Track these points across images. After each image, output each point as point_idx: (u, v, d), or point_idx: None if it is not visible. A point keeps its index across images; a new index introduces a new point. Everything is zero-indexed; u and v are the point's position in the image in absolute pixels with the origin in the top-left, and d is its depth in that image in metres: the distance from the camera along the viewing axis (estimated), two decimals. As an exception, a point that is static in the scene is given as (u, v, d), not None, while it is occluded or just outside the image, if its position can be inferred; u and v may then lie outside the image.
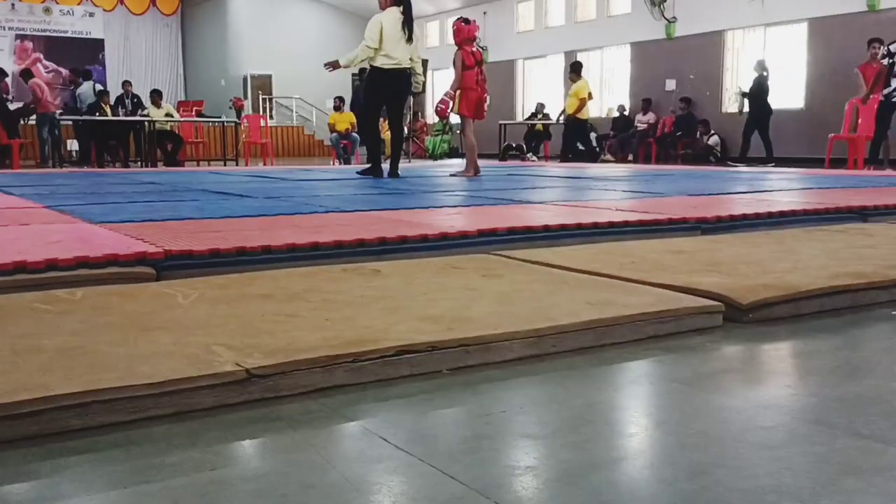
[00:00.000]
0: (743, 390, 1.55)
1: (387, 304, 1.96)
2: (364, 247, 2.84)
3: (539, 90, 18.47)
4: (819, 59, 13.34)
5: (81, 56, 21.83)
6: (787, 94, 13.89)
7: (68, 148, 14.40)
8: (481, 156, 8.45)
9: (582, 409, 1.42)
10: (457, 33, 7.81)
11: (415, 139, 17.16)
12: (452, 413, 1.42)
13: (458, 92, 7.78)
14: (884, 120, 9.86)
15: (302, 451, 1.22)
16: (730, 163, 12.76)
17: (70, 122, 13.22)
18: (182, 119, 14.84)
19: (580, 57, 17.12)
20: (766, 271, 2.39)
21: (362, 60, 7.19)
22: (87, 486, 1.11)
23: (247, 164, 13.57)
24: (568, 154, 13.17)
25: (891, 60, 9.76)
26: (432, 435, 1.31)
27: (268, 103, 22.13)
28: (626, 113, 16.16)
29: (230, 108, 18.37)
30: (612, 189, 5.96)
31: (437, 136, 18.27)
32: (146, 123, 12.82)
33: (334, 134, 14.38)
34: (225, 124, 15.05)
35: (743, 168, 10.59)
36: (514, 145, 16.11)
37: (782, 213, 3.92)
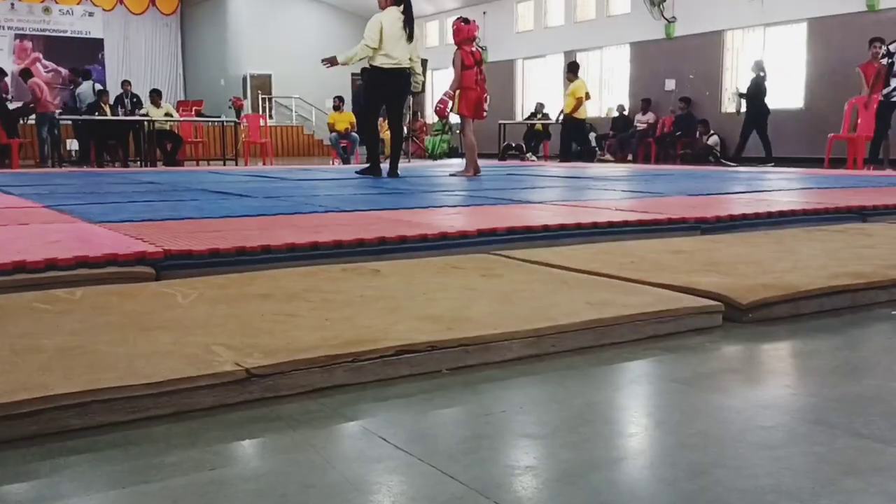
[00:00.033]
0: (742, 390, 1.55)
1: (386, 304, 1.96)
2: (363, 246, 2.84)
3: (538, 90, 18.47)
4: (818, 59, 13.35)
5: (81, 56, 21.83)
6: (787, 94, 13.90)
7: (68, 147, 14.40)
8: (481, 155, 8.45)
9: (581, 408, 1.42)
10: (456, 33, 7.81)
11: (414, 139, 17.17)
12: (452, 413, 1.42)
13: (457, 92, 7.78)
14: (883, 120, 9.87)
15: (301, 450, 1.22)
16: (724, 161, 12.78)
17: (69, 122, 13.22)
18: (181, 119, 14.84)
19: (580, 57, 17.13)
20: (766, 271, 2.39)
21: (360, 59, 7.19)
22: (86, 486, 1.11)
23: (246, 164, 13.57)
24: (567, 154, 13.18)
25: (890, 60, 9.76)
26: (432, 435, 1.31)
27: (267, 103, 22.13)
28: (626, 113, 16.17)
29: (230, 107, 18.37)
30: (611, 189, 5.96)
31: (436, 135, 18.28)
32: (146, 123, 12.81)
33: (334, 133, 14.39)
34: (224, 124, 15.05)
35: (737, 168, 10.60)
36: (513, 145, 16.11)
37: (782, 213, 3.92)
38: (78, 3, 23.00)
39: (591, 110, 17.13)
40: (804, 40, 13.62)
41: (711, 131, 14.25)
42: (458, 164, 10.24)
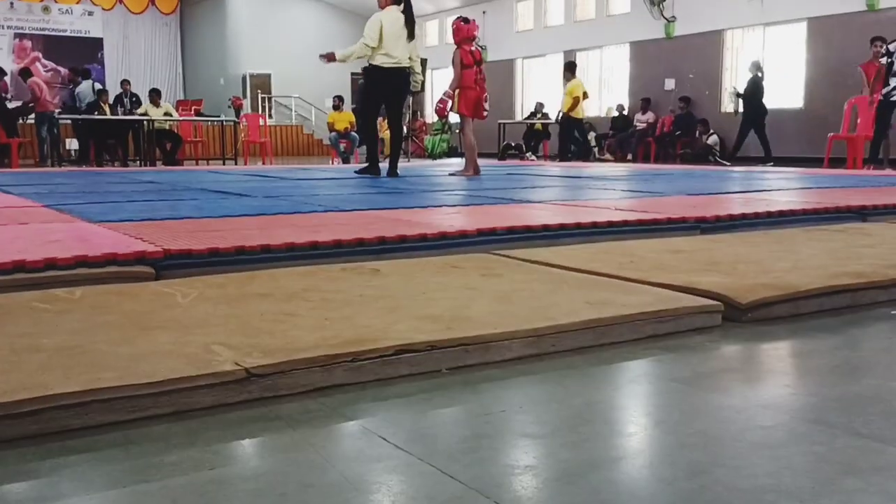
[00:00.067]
0: (742, 390, 1.55)
1: (386, 304, 1.96)
2: (363, 246, 2.84)
3: (538, 89, 18.47)
4: (818, 59, 13.35)
5: (80, 55, 21.82)
6: (787, 94, 13.90)
7: (67, 147, 14.40)
8: (480, 155, 8.44)
9: (581, 408, 1.42)
10: (456, 32, 7.81)
11: (414, 138, 17.16)
12: (452, 412, 1.42)
13: (456, 91, 7.78)
14: (883, 119, 9.87)
15: (301, 450, 1.22)
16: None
17: (69, 121, 13.22)
18: (181, 118, 14.84)
19: (579, 56, 17.15)
20: (766, 271, 2.39)
21: (358, 57, 7.19)
22: (86, 486, 1.11)
23: (246, 164, 13.57)
24: (566, 153, 13.21)
25: (889, 60, 9.77)
26: (431, 434, 1.31)
27: (267, 102, 22.13)
28: (626, 112, 16.18)
29: (229, 107, 18.38)
30: (611, 188, 5.96)
31: (436, 135, 18.28)
32: (145, 122, 12.81)
33: (333, 133, 14.39)
34: (224, 123, 15.04)
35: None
36: (513, 144, 16.12)
37: (781, 213, 3.92)
38: (77, 3, 23.00)
39: (591, 110, 17.16)
40: (804, 40, 13.62)
41: (711, 131, 14.26)
42: (457, 163, 10.24)
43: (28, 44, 22.67)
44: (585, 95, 13.07)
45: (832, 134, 10.90)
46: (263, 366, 1.44)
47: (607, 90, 17.61)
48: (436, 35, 21.35)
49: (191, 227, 3.22)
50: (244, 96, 21.16)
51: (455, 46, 7.82)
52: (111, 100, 13.49)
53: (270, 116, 20.89)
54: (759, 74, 11.94)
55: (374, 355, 1.54)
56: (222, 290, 2.13)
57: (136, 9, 23.97)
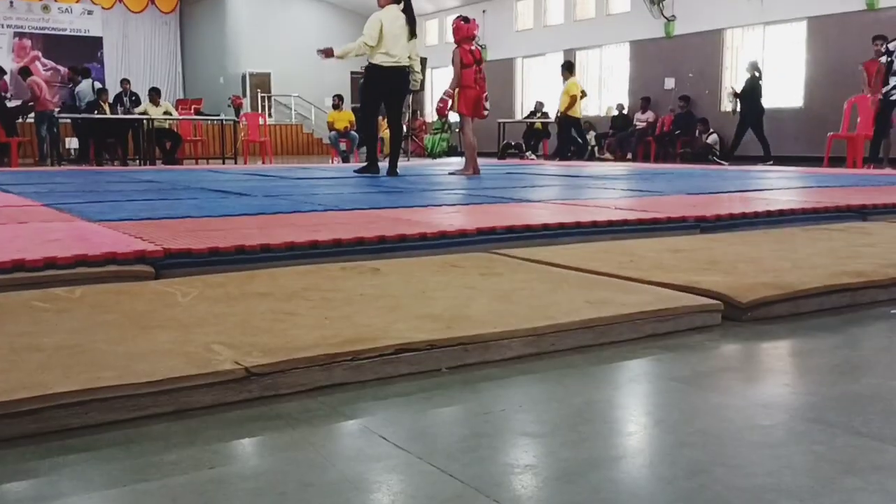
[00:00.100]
0: (742, 389, 1.55)
1: (386, 303, 1.96)
2: (363, 245, 2.84)
3: (538, 89, 18.47)
4: (818, 58, 13.35)
5: (80, 54, 21.82)
6: (786, 93, 13.91)
7: (67, 146, 14.39)
8: (480, 154, 8.44)
9: (581, 407, 1.42)
10: (456, 31, 7.81)
11: (414, 137, 17.16)
12: (451, 411, 1.42)
13: (456, 90, 7.78)
14: (883, 118, 9.87)
15: (301, 449, 1.22)
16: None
17: (69, 120, 13.21)
18: (181, 117, 14.83)
19: (579, 55, 17.17)
20: (765, 270, 2.39)
21: (357, 55, 7.19)
22: (86, 485, 1.11)
23: (245, 163, 13.57)
24: (566, 152, 13.22)
25: (889, 59, 9.76)
26: (431, 433, 1.31)
27: (266, 101, 22.12)
28: (625, 111, 16.17)
29: (229, 106, 18.38)
30: (610, 188, 5.96)
31: (435, 134, 18.28)
32: (145, 122, 12.81)
33: (333, 132, 14.39)
34: (224, 122, 15.04)
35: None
36: (513, 144, 16.11)
37: (781, 212, 3.92)
38: (77, 2, 22.99)
39: (591, 109, 17.18)
40: (804, 39, 13.62)
41: (711, 130, 14.26)
42: (457, 162, 10.24)
43: (28, 43, 22.66)
44: (584, 94, 13.08)
45: (832, 133, 10.91)
46: (263, 365, 1.44)
47: (607, 89, 17.60)
48: (435, 34, 21.34)
49: (190, 226, 3.22)
50: (244, 95, 21.16)
51: (455, 45, 7.82)
52: (111, 99, 13.49)
53: (270, 115, 20.88)
54: (757, 74, 11.95)
55: (373, 354, 1.54)
56: (222, 289, 2.13)
57: (136, 8, 23.96)
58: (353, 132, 14.07)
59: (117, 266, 2.41)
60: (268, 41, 21.91)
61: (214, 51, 23.28)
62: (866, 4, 12.62)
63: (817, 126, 12.48)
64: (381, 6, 7.12)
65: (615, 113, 16.37)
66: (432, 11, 20.96)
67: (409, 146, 15.11)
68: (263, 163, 13.26)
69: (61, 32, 23.01)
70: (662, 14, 15.66)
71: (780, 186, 6.01)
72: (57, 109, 12.95)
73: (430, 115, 20.57)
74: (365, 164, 7.69)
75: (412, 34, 7.15)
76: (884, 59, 9.91)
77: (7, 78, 13.54)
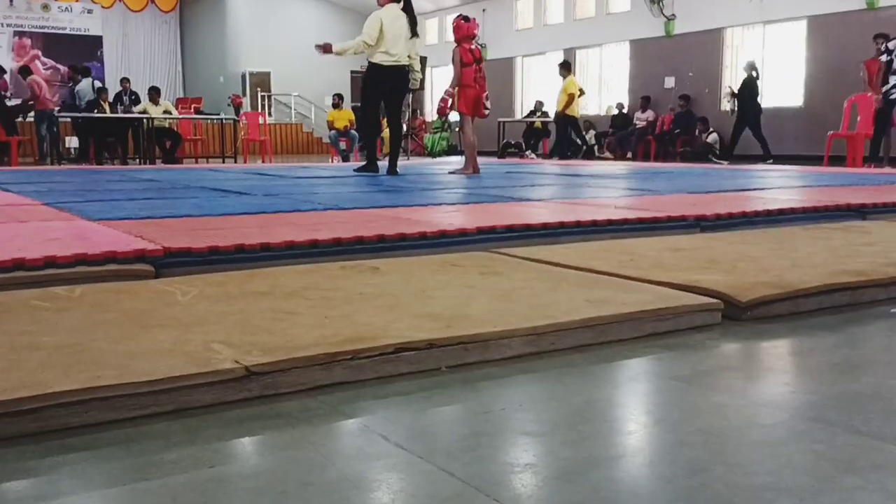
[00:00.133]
0: (742, 388, 1.55)
1: (385, 302, 1.96)
2: (363, 244, 2.84)
3: (538, 88, 18.47)
4: (818, 57, 13.35)
5: (80, 53, 21.81)
6: (786, 92, 13.90)
7: (67, 145, 14.39)
8: (480, 153, 8.44)
9: (581, 406, 1.42)
10: (457, 30, 7.81)
11: (414, 137, 17.16)
12: (451, 410, 1.42)
13: (456, 89, 7.78)
14: (883, 117, 9.86)
15: (301, 448, 1.22)
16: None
17: (68, 119, 13.21)
18: (181, 116, 14.83)
19: (579, 54, 17.18)
20: (765, 269, 2.39)
21: (355, 53, 7.19)
22: (86, 484, 1.11)
23: (245, 162, 13.57)
24: (565, 151, 13.23)
25: (889, 58, 9.76)
26: (431, 432, 1.31)
27: (266, 100, 22.12)
28: (625, 110, 16.17)
29: (229, 105, 18.38)
30: (610, 187, 5.96)
31: (435, 133, 18.28)
32: (145, 121, 12.81)
33: (333, 131, 14.38)
34: (223, 121, 15.04)
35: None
36: (512, 143, 16.11)
37: (781, 211, 3.92)
38: (76, 1, 22.98)
39: (591, 108, 17.19)
40: (804, 38, 13.62)
41: (711, 129, 14.25)
42: (457, 161, 10.24)
43: (27, 42, 22.66)
44: (581, 92, 13.10)
45: (832, 132, 10.90)
46: (263, 364, 1.44)
47: (607, 88, 17.60)
48: (435, 33, 21.33)
49: (190, 225, 3.22)
50: (244, 94, 21.15)
51: (455, 44, 7.82)
52: (111, 98, 13.48)
53: (270, 115, 20.89)
54: (754, 74, 11.95)
55: (373, 353, 1.54)
56: (222, 288, 2.13)
57: (136, 6, 23.95)
58: (352, 131, 14.06)
59: (117, 265, 2.41)
60: (268, 40, 21.91)
61: (214, 50, 23.27)
62: (866, 3, 12.61)
63: (817, 125, 12.48)
64: (381, 5, 7.12)
65: (615, 112, 16.37)
66: (432, 10, 20.95)
67: (409, 145, 15.11)
68: (263, 162, 13.25)
69: (61, 31, 23.00)
70: (662, 13, 15.65)
71: (779, 185, 6.01)
72: (57, 108, 12.95)
73: (430, 114, 20.58)
74: (365, 163, 7.69)
75: (414, 33, 7.15)
76: (884, 57, 9.91)
77: (7, 77, 13.54)
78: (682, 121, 14.58)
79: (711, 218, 3.65)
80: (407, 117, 14.01)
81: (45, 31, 22.83)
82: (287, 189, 5.49)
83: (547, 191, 5.54)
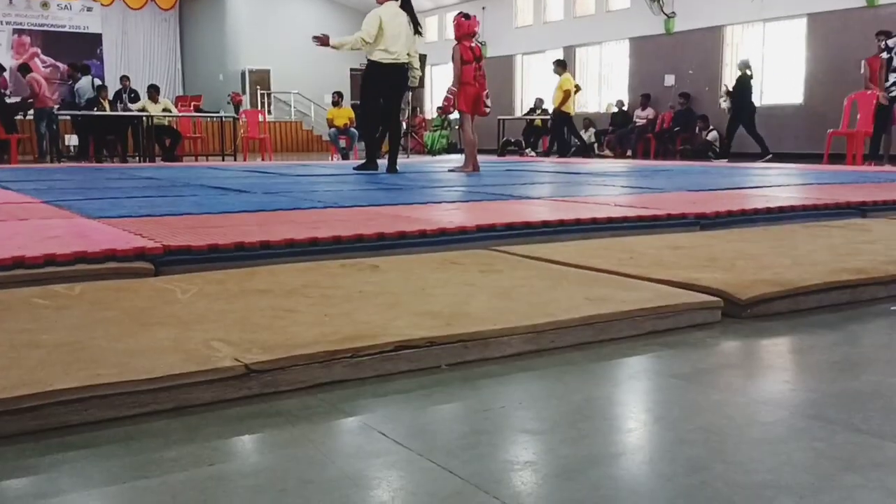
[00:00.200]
0: (742, 385, 1.55)
1: (385, 300, 1.96)
2: (362, 242, 2.84)
3: (538, 85, 18.46)
4: (818, 55, 13.35)
5: (79, 51, 21.79)
6: (786, 90, 13.90)
7: (66, 143, 14.38)
8: (480, 151, 8.43)
9: (581, 404, 1.42)
10: (457, 28, 7.80)
11: (413, 134, 17.16)
12: (451, 408, 1.42)
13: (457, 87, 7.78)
14: (883, 115, 9.85)
15: (300, 446, 1.22)
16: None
17: (68, 117, 13.20)
18: (180, 114, 14.82)
19: (579, 52, 17.18)
20: (765, 267, 2.39)
21: (352, 49, 7.19)
22: (85, 481, 1.11)
23: (245, 160, 13.57)
24: (564, 148, 13.23)
25: (889, 55, 9.76)
26: (431, 430, 1.31)
27: (266, 98, 22.10)
28: (625, 108, 16.16)
29: (228, 103, 18.36)
30: (610, 185, 5.96)
31: (435, 131, 18.28)
32: (144, 119, 12.80)
33: (332, 129, 14.38)
34: (223, 119, 15.03)
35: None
36: (512, 141, 16.11)
37: (781, 209, 3.92)
38: (76, -1, 22.98)
39: (591, 105, 17.19)
40: (803, 35, 13.62)
41: (711, 127, 14.25)
42: (456, 159, 10.23)
43: (27, 39, 22.64)
44: (578, 88, 13.12)
45: (832, 130, 10.90)
46: (263, 362, 1.44)
47: (607, 86, 17.59)
48: (435, 31, 21.32)
49: (190, 223, 3.22)
50: (243, 92, 21.13)
51: (455, 42, 7.82)
52: (111, 96, 13.47)
53: (270, 112, 20.88)
54: (748, 72, 11.94)
55: (373, 351, 1.54)
56: (222, 286, 2.13)
57: (135, 4, 23.92)
58: (352, 129, 14.06)
59: (117, 263, 2.41)
60: (267, 38, 21.89)
61: (214, 48, 23.25)
62: (866, 1, 12.61)
63: (817, 123, 12.48)
64: (380, 3, 7.12)
65: (615, 110, 16.36)
66: (431, 8, 20.94)
67: (408, 143, 15.10)
68: (263, 160, 13.25)
69: (60, 29, 22.98)
70: (662, 10, 15.65)
71: (779, 183, 6.01)
72: (56, 106, 12.94)
73: (430, 111, 20.57)
74: (364, 160, 7.69)
75: (417, 31, 7.15)
76: (884, 55, 9.90)
77: (6, 75, 13.52)
78: (681, 119, 14.58)
79: (711, 216, 3.65)
80: (407, 115, 14.00)
81: (45, 28, 22.81)
82: (287, 187, 5.48)
83: (547, 189, 5.54)
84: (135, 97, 13.88)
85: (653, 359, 1.71)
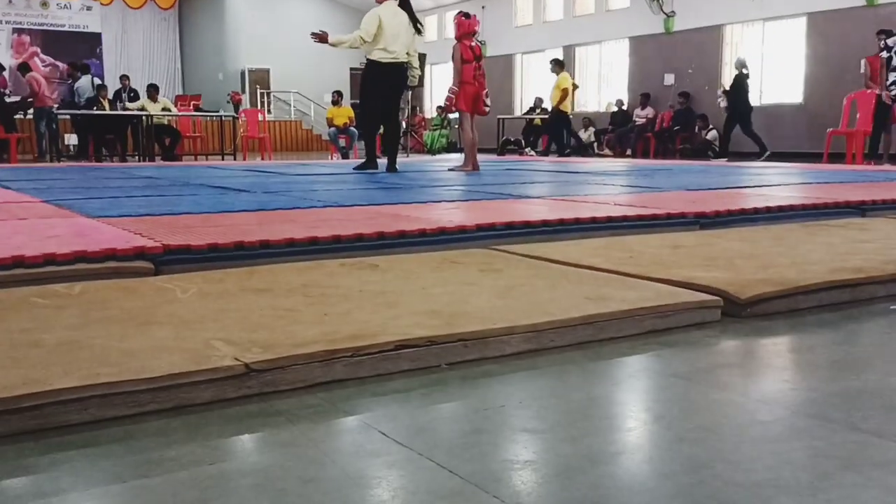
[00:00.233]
0: (741, 385, 1.55)
1: (385, 299, 1.96)
2: (362, 241, 2.84)
3: (537, 85, 18.45)
4: (818, 54, 13.35)
5: (79, 50, 21.78)
6: (786, 89, 13.90)
7: (66, 142, 14.37)
8: (479, 150, 8.43)
9: (580, 403, 1.42)
10: (458, 27, 7.80)
11: (413, 134, 17.16)
12: (451, 407, 1.42)
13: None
14: (883, 114, 9.85)
15: (300, 445, 1.22)
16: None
17: (68, 117, 13.19)
18: (180, 113, 14.81)
19: (578, 51, 17.18)
20: (765, 266, 2.39)
21: (350, 47, 7.19)
22: (85, 481, 1.11)
23: (245, 159, 13.56)
24: (562, 148, 13.23)
25: (889, 55, 9.76)
26: (431, 429, 1.31)
27: (266, 98, 22.09)
28: (625, 107, 16.16)
29: (228, 102, 18.35)
30: (610, 184, 5.96)
31: (435, 130, 18.28)
32: (144, 118, 12.80)
33: (332, 128, 14.37)
34: (223, 119, 15.03)
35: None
36: (512, 140, 16.10)
37: (780, 208, 3.92)
38: (76, -2, 22.97)
39: (590, 104, 17.18)
40: (803, 34, 13.62)
41: (710, 126, 14.24)
42: (456, 158, 10.23)
43: (26, 39, 22.62)
44: (575, 86, 13.13)
45: (831, 129, 10.90)
46: (263, 361, 1.44)
47: (606, 85, 17.59)
48: (435, 30, 21.31)
49: (190, 222, 3.22)
50: (243, 91, 21.12)
51: (455, 41, 7.81)
52: (110, 95, 13.47)
53: (269, 112, 20.86)
54: (745, 72, 11.93)
55: (373, 351, 1.54)
56: (221, 285, 2.13)
57: (135, 4, 23.91)
58: (352, 128, 14.05)
59: (116, 262, 2.41)
60: (267, 37, 21.87)
61: (213, 47, 23.24)
62: (866, 0, 12.60)
63: (817, 122, 12.49)
64: (379, 2, 7.12)
65: (614, 109, 16.36)
66: (431, 7, 20.93)
67: (408, 142, 15.10)
68: (262, 159, 13.25)
69: (60, 28, 22.96)
70: (662, 10, 15.64)
71: (779, 182, 6.01)
72: (56, 106, 12.93)
73: (430, 111, 20.57)
74: (364, 160, 7.69)
75: (417, 30, 7.15)
76: (885, 54, 9.90)
77: (6, 74, 13.52)
78: (681, 118, 14.58)
79: (711, 215, 3.65)
80: (406, 114, 14.00)
81: (44, 28, 22.79)
82: (286, 186, 5.48)
83: (546, 188, 5.54)
84: (134, 96, 13.88)
85: (652, 358, 1.71)
